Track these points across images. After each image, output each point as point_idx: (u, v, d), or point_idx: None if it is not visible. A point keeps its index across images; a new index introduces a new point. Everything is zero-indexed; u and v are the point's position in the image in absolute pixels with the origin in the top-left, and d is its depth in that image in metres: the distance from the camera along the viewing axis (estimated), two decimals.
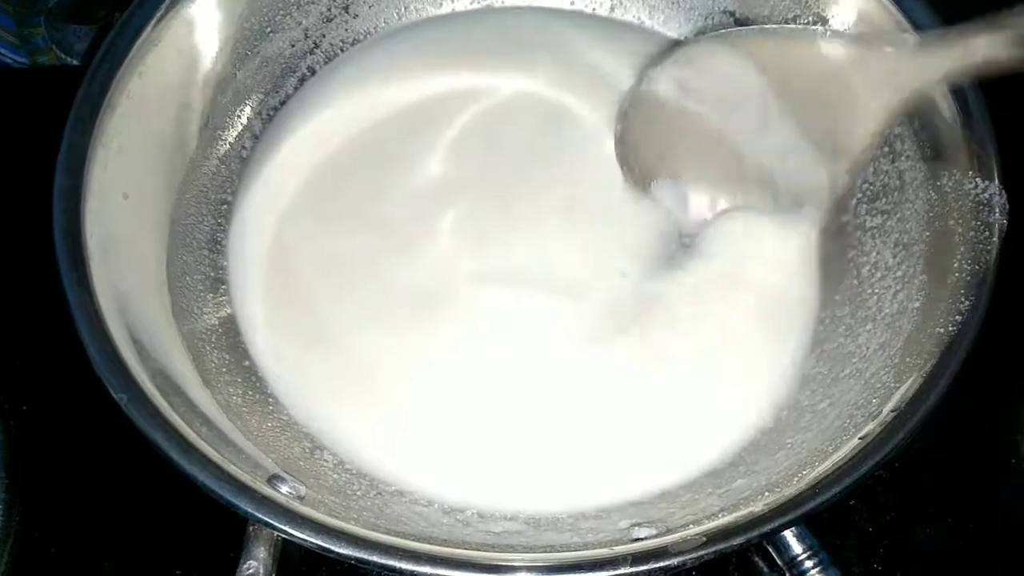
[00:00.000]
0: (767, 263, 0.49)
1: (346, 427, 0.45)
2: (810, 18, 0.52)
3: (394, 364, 0.46)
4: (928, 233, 0.45)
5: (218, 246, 0.50)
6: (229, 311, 0.48)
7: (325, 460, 0.44)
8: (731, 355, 0.47)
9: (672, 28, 0.57)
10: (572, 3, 0.58)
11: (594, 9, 0.58)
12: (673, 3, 0.57)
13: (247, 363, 0.47)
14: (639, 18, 0.58)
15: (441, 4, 0.58)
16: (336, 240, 0.50)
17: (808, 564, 0.41)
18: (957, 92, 0.44)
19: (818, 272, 0.49)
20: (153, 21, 0.46)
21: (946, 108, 0.45)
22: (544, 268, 0.49)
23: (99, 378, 0.37)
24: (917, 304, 0.43)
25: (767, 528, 0.35)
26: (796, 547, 0.41)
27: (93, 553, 0.47)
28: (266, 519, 0.35)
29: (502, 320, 0.47)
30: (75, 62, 0.58)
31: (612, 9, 0.58)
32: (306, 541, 0.34)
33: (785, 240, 0.49)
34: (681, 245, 0.50)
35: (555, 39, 0.56)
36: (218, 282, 0.49)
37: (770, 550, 0.41)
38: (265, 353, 0.47)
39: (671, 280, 0.49)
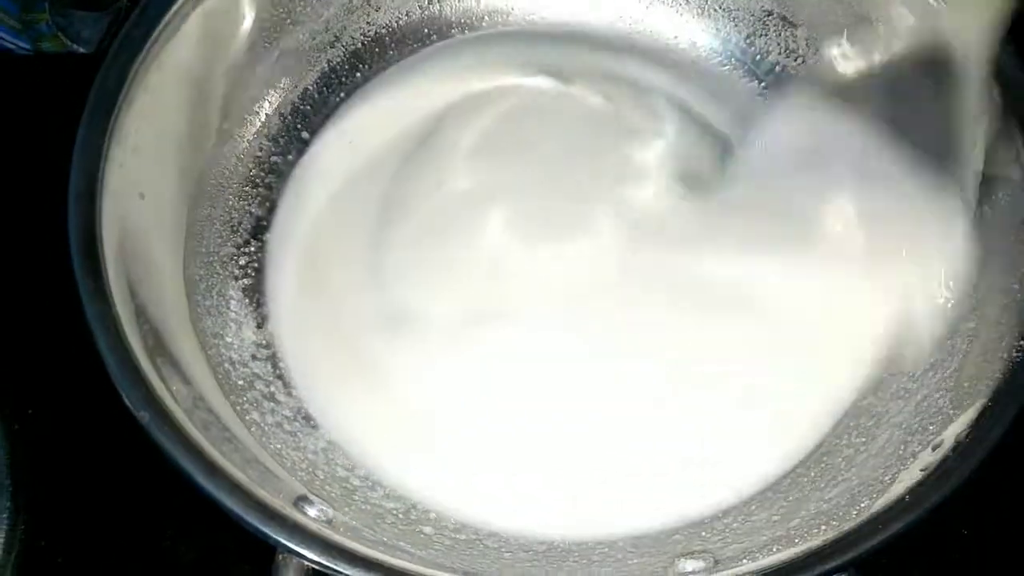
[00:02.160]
0: None
1: (379, 446, 0.43)
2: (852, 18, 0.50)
3: (431, 382, 0.45)
4: (983, 251, 0.43)
5: (239, 250, 0.48)
6: (254, 322, 0.47)
7: (356, 481, 0.42)
8: (780, 372, 0.45)
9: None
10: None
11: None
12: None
13: (275, 377, 0.45)
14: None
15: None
16: (374, 248, 0.48)
17: None
18: (1015, 103, 0.43)
19: None
20: (171, 12, 0.44)
21: (1001, 120, 0.43)
22: (587, 282, 0.47)
23: (108, 383, 0.36)
24: (972, 324, 0.42)
25: (829, 566, 0.33)
26: None
27: (100, 564, 0.46)
28: (297, 549, 0.33)
29: (540, 339, 0.46)
30: (81, 49, 0.57)
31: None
32: (339, 572, 0.33)
33: None
34: None
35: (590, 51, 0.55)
36: (242, 291, 0.47)
37: None
38: (295, 368, 0.45)
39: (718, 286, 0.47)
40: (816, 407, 0.44)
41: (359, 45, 0.54)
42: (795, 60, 0.54)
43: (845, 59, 0.48)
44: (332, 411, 0.44)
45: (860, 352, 0.45)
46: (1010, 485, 0.49)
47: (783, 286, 0.47)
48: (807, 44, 0.53)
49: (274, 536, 0.33)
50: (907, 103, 0.45)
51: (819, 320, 0.46)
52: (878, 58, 0.47)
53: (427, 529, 0.41)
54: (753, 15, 0.55)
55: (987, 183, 0.44)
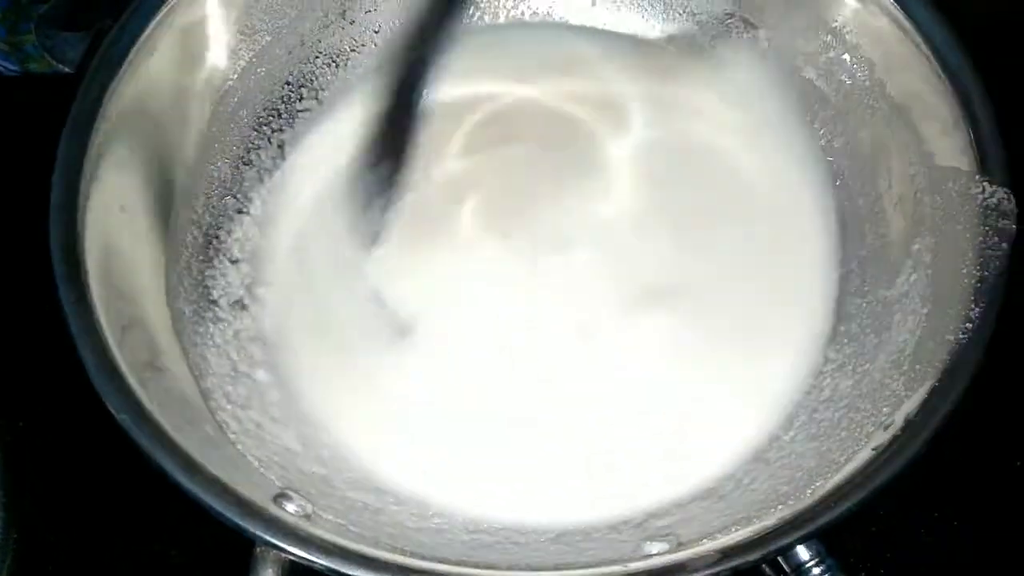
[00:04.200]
0: None
1: (356, 436, 0.45)
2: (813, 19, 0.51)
3: (408, 374, 0.46)
4: (934, 239, 0.44)
5: (223, 256, 0.50)
6: (236, 324, 0.48)
7: (333, 476, 0.43)
8: (739, 357, 0.47)
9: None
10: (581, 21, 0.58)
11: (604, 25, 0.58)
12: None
13: (254, 377, 0.46)
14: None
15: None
16: (354, 247, 0.49)
17: (816, 571, 0.40)
18: (962, 95, 0.44)
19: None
20: (148, 29, 0.45)
21: (951, 111, 0.44)
22: (562, 275, 0.49)
23: (98, 396, 0.37)
24: (925, 311, 0.43)
25: (784, 543, 0.34)
26: (803, 554, 0.40)
27: (92, 573, 0.47)
28: (274, 541, 0.34)
29: (520, 328, 0.47)
30: (67, 69, 0.57)
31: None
32: (316, 563, 0.34)
33: None
34: None
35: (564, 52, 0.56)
36: (223, 296, 0.49)
37: (777, 557, 0.41)
38: (279, 365, 0.47)
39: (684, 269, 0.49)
40: (770, 394, 0.46)
41: (335, 56, 0.55)
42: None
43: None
44: (312, 407, 0.46)
45: (808, 336, 0.47)
46: (980, 467, 0.50)
47: (726, 278, 0.49)
48: (768, 44, 0.55)
49: (251, 530, 0.34)
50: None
51: (767, 308, 0.48)
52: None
53: (405, 520, 0.42)
54: (716, 17, 0.56)
55: (941, 173, 0.45)
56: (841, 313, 0.48)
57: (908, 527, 0.49)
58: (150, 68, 0.45)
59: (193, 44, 0.48)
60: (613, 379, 0.47)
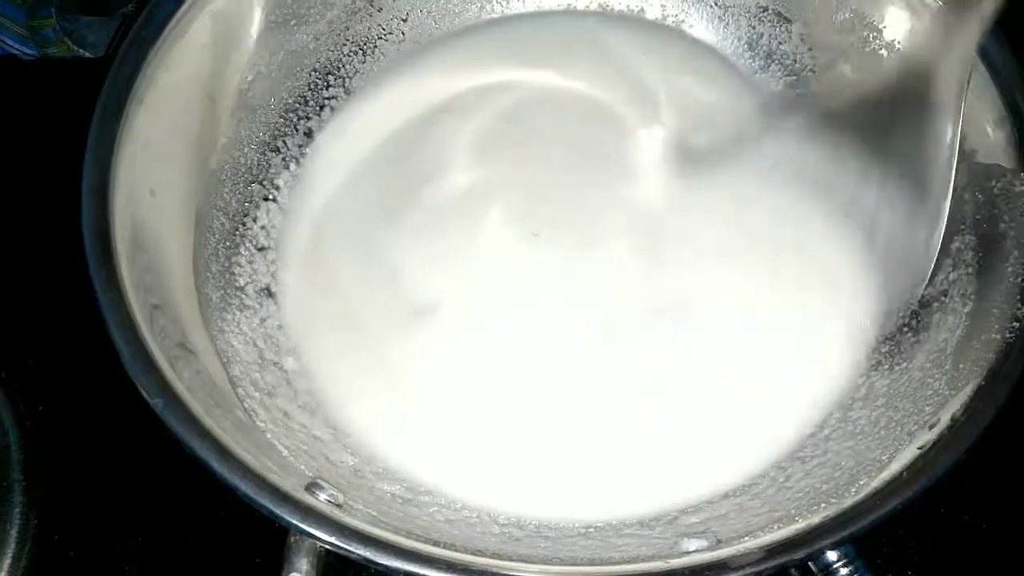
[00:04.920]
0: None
1: (380, 428, 0.44)
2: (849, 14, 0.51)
3: (435, 367, 0.46)
4: (975, 237, 0.44)
5: (249, 243, 0.49)
6: (263, 312, 0.48)
7: (363, 466, 0.43)
8: (775, 356, 0.46)
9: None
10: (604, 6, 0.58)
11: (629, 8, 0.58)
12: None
13: (281, 365, 0.46)
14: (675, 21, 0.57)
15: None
16: (380, 239, 0.49)
17: (843, 572, 0.40)
18: (1006, 92, 0.44)
19: None
20: (179, 13, 0.45)
21: (994, 109, 0.44)
22: (589, 267, 0.48)
23: (119, 378, 0.36)
24: (967, 309, 0.42)
25: (829, 540, 0.34)
26: (831, 555, 0.40)
27: (113, 557, 0.47)
28: (311, 530, 0.34)
29: (548, 323, 0.47)
30: (87, 54, 0.57)
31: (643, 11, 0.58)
32: (352, 553, 0.33)
33: None
34: None
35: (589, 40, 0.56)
36: (251, 282, 0.48)
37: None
38: (301, 355, 0.46)
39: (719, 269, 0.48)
40: (812, 391, 0.45)
41: (362, 44, 0.55)
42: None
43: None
44: (338, 398, 0.45)
45: (852, 335, 0.46)
46: (1010, 471, 0.49)
47: (770, 282, 0.48)
48: (801, 40, 0.54)
49: (287, 518, 0.34)
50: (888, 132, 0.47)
51: (809, 309, 0.47)
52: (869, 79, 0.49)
53: (435, 513, 0.41)
54: (748, 11, 0.56)
55: (984, 171, 0.45)
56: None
57: (937, 530, 0.48)
58: (180, 52, 0.45)
59: (222, 30, 0.48)
60: (641, 376, 0.46)
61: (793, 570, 0.45)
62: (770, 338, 0.46)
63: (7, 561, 0.44)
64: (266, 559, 0.38)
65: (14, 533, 0.45)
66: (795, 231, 0.49)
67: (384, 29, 0.56)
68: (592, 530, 0.42)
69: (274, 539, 0.36)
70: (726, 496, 0.42)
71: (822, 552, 0.35)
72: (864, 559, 0.40)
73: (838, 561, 0.40)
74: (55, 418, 0.49)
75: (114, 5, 0.56)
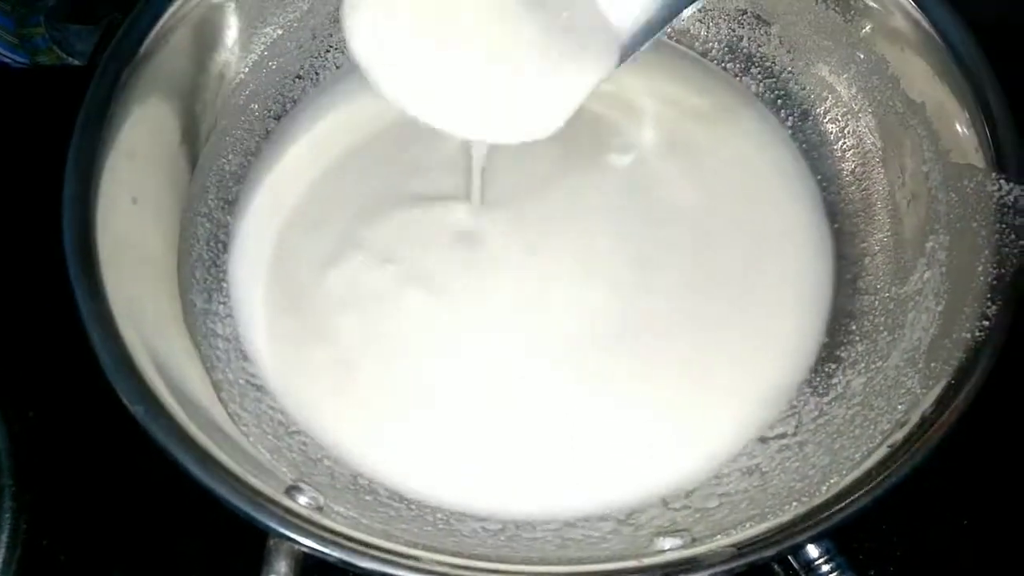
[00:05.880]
0: None
1: (353, 437, 0.45)
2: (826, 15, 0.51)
3: (398, 369, 0.46)
4: (949, 236, 0.44)
5: (227, 250, 0.50)
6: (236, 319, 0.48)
7: (339, 472, 0.43)
8: (733, 354, 0.47)
9: None
10: None
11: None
12: None
13: (254, 372, 0.46)
14: None
15: None
16: (347, 240, 0.49)
17: (825, 569, 0.40)
18: (978, 92, 0.44)
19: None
20: (161, 22, 0.45)
21: (966, 109, 0.44)
22: (560, 269, 0.49)
23: (108, 384, 0.37)
24: (939, 308, 0.43)
25: (800, 539, 0.34)
26: (812, 551, 0.40)
27: (102, 562, 0.47)
28: (288, 533, 0.34)
29: (514, 322, 0.47)
30: (76, 62, 0.58)
31: None
32: (329, 556, 0.34)
33: None
34: None
35: None
36: (228, 287, 0.49)
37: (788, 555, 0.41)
38: (268, 361, 0.46)
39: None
40: (769, 390, 0.46)
41: (343, 49, 0.55)
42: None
43: None
44: (307, 404, 0.45)
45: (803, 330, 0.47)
46: (990, 467, 0.50)
47: (740, 272, 0.49)
48: (780, 41, 0.55)
49: (264, 521, 0.34)
50: None
51: (774, 299, 0.48)
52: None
53: (413, 515, 0.42)
54: (727, 13, 0.56)
55: (957, 171, 0.45)
56: (849, 310, 0.48)
57: (918, 526, 0.48)
58: (163, 60, 0.45)
59: (205, 37, 0.48)
60: (607, 373, 0.47)
61: (775, 566, 0.46)
62: (730, 335, 0.48)
63: None
64: (250, 562, 0.39)
65: (4, 538, 0.45)
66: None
67: None
68: (568, 527, 0.42)
69: (258, 542, 0.36)
70: (703, 491, 0.43)
71: (795, 550, 0.35)
72: (846, 555, 0.40)
73: (820, 558, 0.40)
74: (44, 424, 0.49)
75: (101, 14, 0.57)
